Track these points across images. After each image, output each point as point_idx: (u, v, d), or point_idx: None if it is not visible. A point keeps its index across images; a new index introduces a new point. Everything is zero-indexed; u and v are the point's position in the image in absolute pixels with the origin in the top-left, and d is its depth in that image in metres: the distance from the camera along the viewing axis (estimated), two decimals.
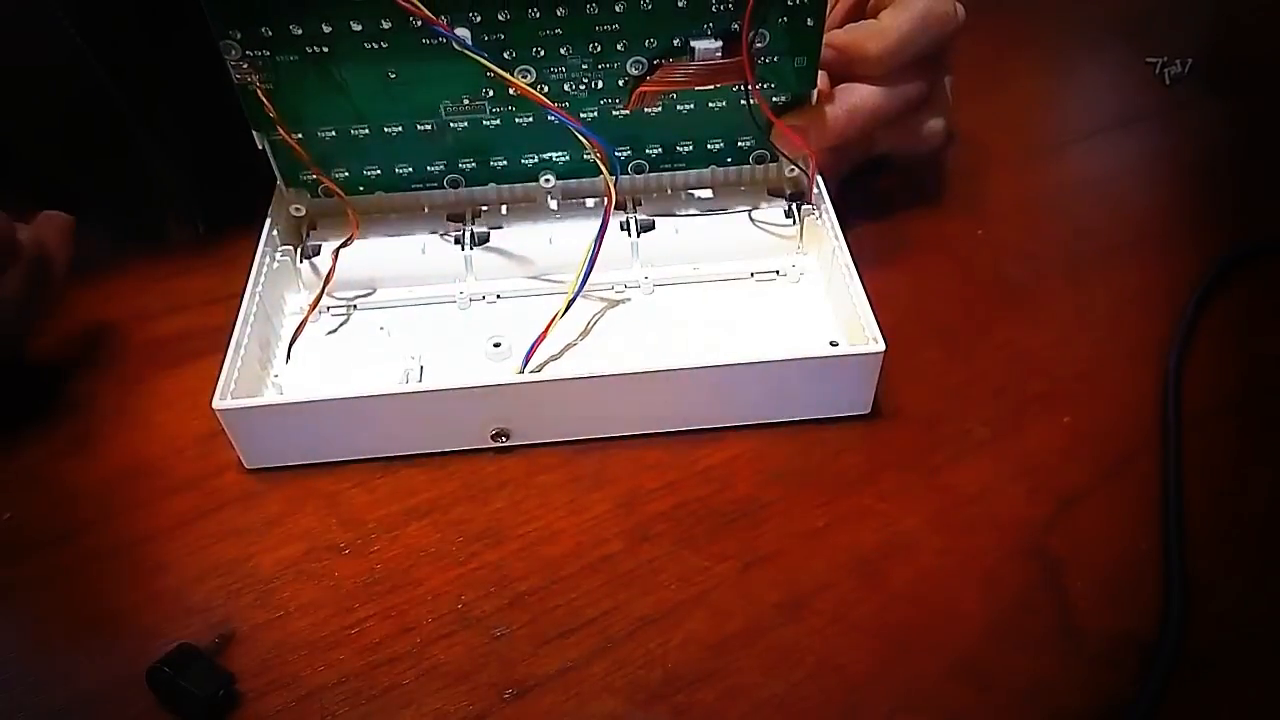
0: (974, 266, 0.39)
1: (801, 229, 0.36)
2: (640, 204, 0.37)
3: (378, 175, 0.36)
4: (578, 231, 0.36)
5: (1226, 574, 0.28)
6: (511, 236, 0.36)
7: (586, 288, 0.34)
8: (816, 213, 0.36)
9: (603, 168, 0.33)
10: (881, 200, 0.41)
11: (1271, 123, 0.47)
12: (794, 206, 0.37)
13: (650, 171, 0.37)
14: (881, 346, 0.31)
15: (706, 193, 0.38)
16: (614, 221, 0.36)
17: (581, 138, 0.32)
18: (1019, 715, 0.26)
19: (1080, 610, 0.28)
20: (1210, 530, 0.29)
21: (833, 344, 0.33)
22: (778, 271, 0.37)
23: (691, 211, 0.37)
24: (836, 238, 0.35)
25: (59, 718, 0.26)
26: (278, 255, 0.36)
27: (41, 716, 0.26)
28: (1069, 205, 0.42)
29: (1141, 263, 0.39)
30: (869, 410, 0.33)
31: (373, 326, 0.36)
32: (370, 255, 0.36)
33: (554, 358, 0.34)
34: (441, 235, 0.36)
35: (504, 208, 0.38)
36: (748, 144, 0.37)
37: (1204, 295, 0.36)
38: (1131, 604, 0.28)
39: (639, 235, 0.36)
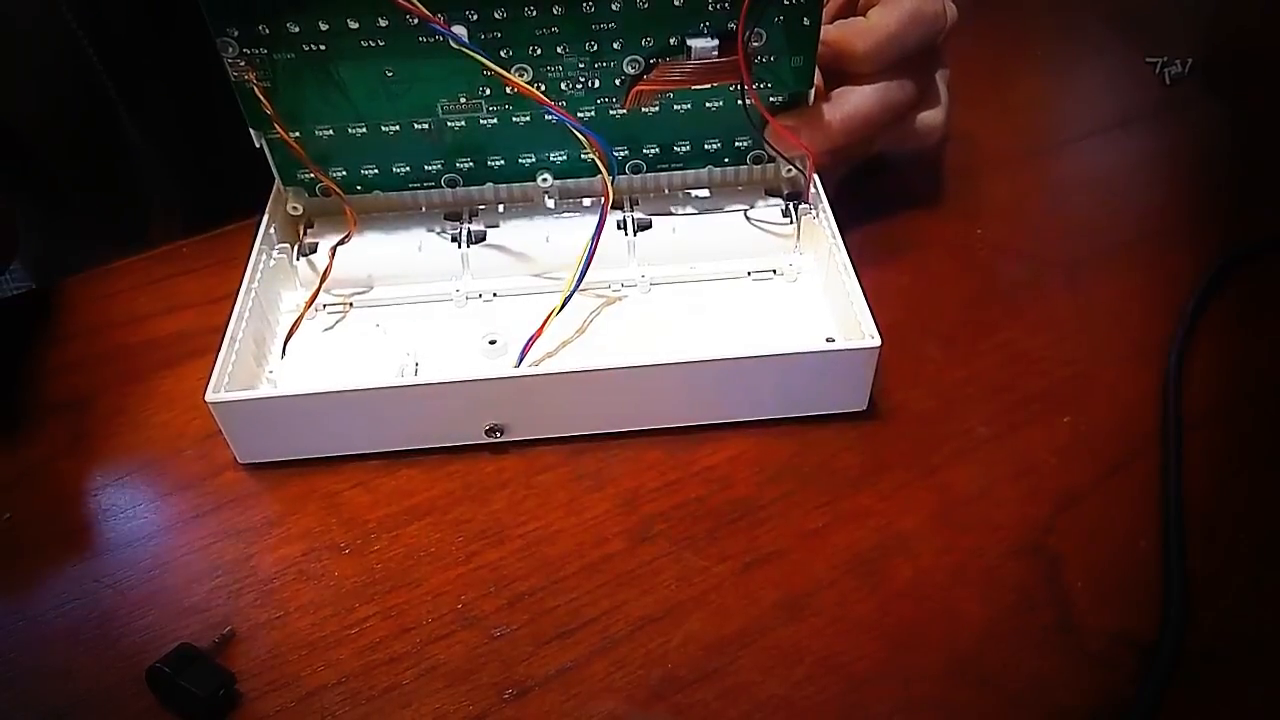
0: (974, 266, 0.39)
1: (799, 228, 0.36)
2: (637, 203, 0.37)
3: (375, 174, 0.36)
4: (575, 230, 0.36)
5: (1226, 574, 0.28)
6: (508, 235, 0.36)
7: (583, 286, 0.34)
8: (813, 212, 0.36)
9: (600, 166, 0.33)
10: (880, 200, 0.41)
11: (1271, 123, 0.47)
12: (791, 206, 0.37)
13: (648, 171, 0.37)
14: (877, 342, 0.31)
15: (704, 192, 0.38)
16: (611, 220, 0.36)
17: (579, 135, 0.32)
18: (1019, 714, 0.26)
19: (1080, 610, 0.28)
20: (1210, 530, 0.29)
21: (829, 340, 0.33)
22: (775, 270, 0.37)
23: (689, 210, 0.37)
24: (833, 237, 0.35)
25: (59, 718, 0.26)
26: (274, 253, 0.36)
27: (41, 716, 0.26)
28: (1069, 205, 0.42)
29: (1141, 263, 0.39)
30: (865, 407, 0.33)
31: (369, 324, 0.36)
32: (367, 253, 0.36)
33: (550, 354, 0.34)
34: (439, 233, 0.36)
35: (501, 207, 0.38)
36: (745, 144, 0.37)
37: (1204, 295, 0.36)
38: (1131, 603, 0.28)
39: (636, 234, 0.36)
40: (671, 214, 0.37)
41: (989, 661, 0.27)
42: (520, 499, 0.31)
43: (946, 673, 0.27)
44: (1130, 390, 0.34)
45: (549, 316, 0.33)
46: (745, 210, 0.37)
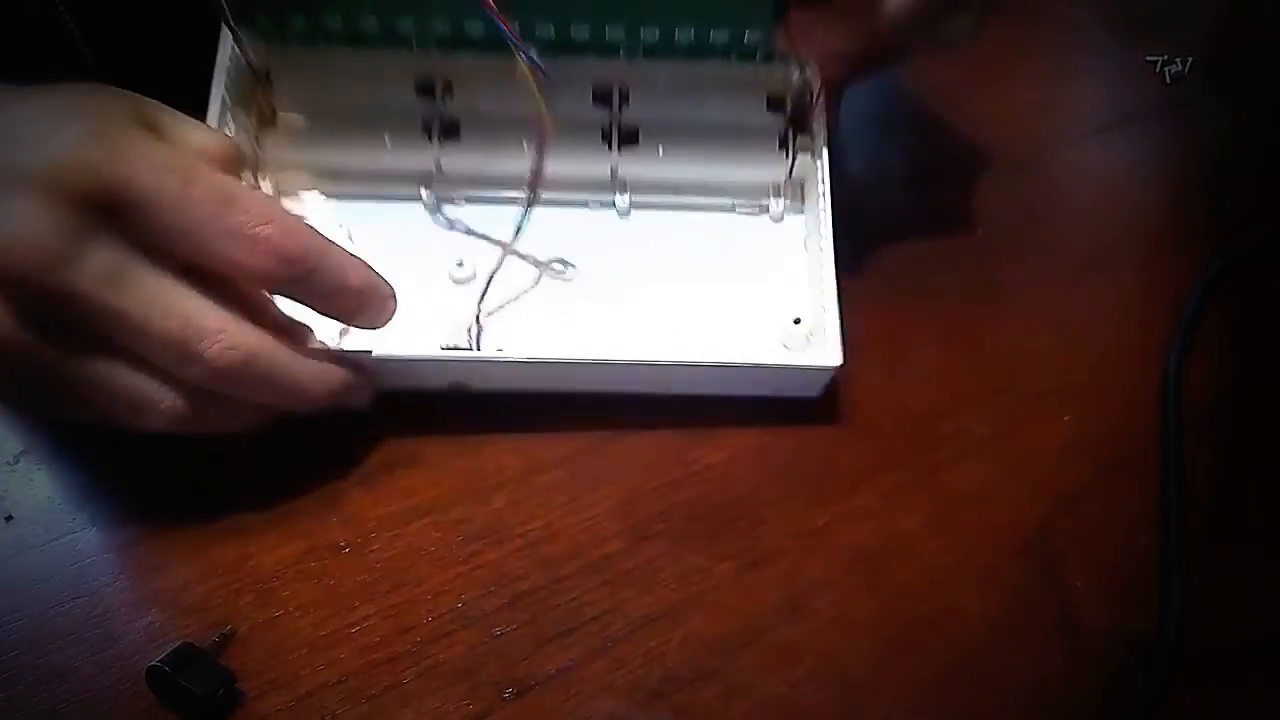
0: (974, 266, 0.39)
1: (792, 164, 0.35)
2: (628, 100, 0.35)
3: (339, 27, 0.32)
4: (560, 139, 0.32)
5: (1226, 574, 0.29)
6: (484, 131, 0.35)
7: (559, 205, 0.33)
8: (810, 152, 0.34)
9: (536, 93, 0.30)
10: (881, 200, 0.41)
11: (1272, 122, 0.47)
12: (789, 132, 0.35)
13: (644, 57, 0.34)
14: (838, 360, 0.30)
15: (702, 103, 0.35)
16: (596, 130, 0.35)
17: (523, 65, 0.30)
18: (1019, 714, 0.26)
19: (1080, 609, 0.28)
20: (1210, 530, 0.29)
21: (796, 321, 0.33)
22: (761, 206, 0.36)
23: (681, 113, 0.35)
24: (823, 181, 0.33)
25: (59, 718, 0.26)
26: (231, 124, 0.32)
27: (41, 716, 0.26)
28: (1069, 205, 0.42)
29: (1141, 263, 0.39)
30: (819, 393, 0.32)
31: (334, 223, 0.34)
32: (331, 139, 0.34)
33: (512, 308, 0.33)
34: (408, 123, 0.34)
35: (479, 97, 0.34)
36: (757, 38, 0.33)
37: (1204, 295, 0.36)
38: (1131, 603, 0.28)
39: (620, 150, 0.35)
40: (661, 125, 0.35)
41: (989, 661, 0.27)
42: (520, 499, 0.31)
43: (946, 672, 0.27)
44: (1130, 390, 0.34)
45: (515, 236, 0.32)
46: (739, 131, 0.35)
